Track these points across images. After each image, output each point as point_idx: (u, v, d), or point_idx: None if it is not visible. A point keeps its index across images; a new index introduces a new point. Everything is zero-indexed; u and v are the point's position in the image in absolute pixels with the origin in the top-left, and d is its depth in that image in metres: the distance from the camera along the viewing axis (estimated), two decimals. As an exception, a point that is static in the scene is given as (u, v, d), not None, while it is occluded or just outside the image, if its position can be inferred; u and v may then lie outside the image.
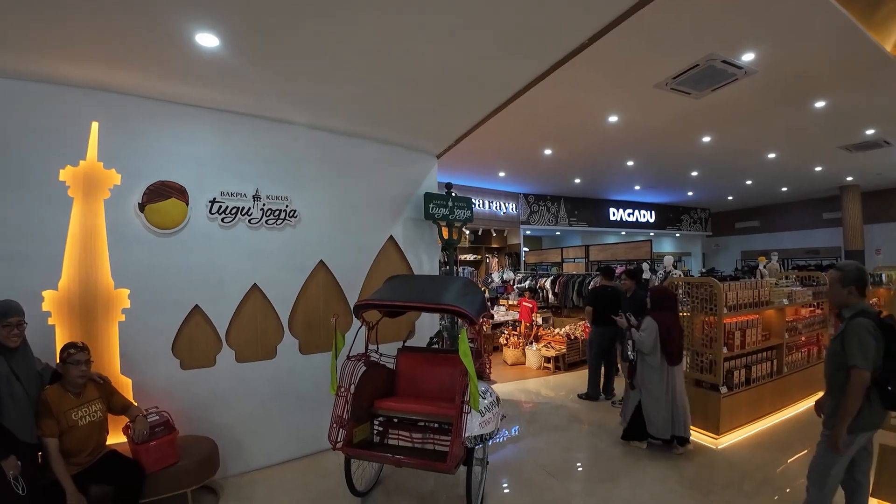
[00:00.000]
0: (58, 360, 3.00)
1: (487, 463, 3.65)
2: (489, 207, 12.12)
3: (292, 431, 4.36)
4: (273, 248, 4.33)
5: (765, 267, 11.60)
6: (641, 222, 15.10)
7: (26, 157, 3.34)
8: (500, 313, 9.77)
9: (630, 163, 9.65)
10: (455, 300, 3.17)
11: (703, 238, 17.79)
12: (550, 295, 9.95)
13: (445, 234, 5.48)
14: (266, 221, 4.28)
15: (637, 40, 4.35)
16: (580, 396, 6.02)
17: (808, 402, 5.41)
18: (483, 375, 3.51)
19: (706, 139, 8.00)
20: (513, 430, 4.99)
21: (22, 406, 2.69)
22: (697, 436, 4.55)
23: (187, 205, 3.88)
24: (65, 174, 3.45)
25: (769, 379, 4.87)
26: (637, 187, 12.43)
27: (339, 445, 3.13)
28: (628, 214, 14.72)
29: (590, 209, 13.84)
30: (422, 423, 3.52)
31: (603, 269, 6.27)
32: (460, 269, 12.60)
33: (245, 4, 2.62)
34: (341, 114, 4.42)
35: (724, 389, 4.40)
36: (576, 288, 9.38)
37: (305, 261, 4.54)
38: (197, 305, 3.96)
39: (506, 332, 8.33)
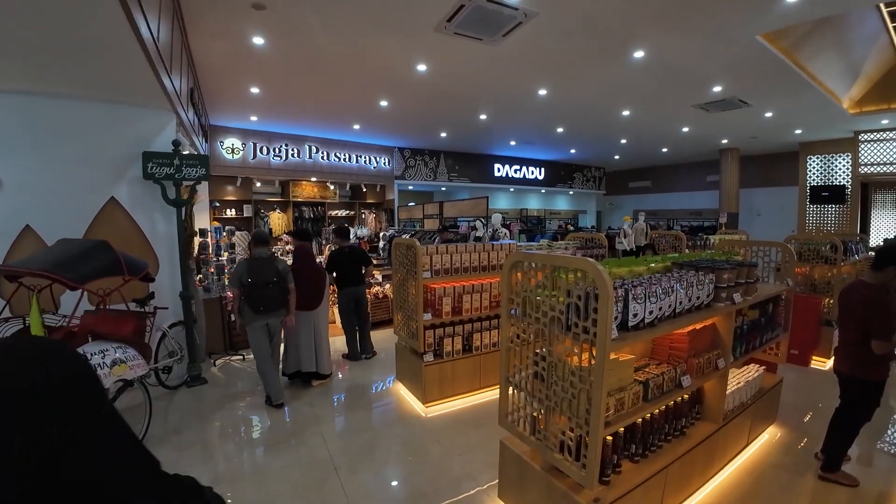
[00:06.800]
0: None
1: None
2: (357, 161, 11.55)
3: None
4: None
5: (630, 227, 11.77)
6: (530, 179, 14.92)
7: None
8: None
9: (483, 116, 9.25)
10: (56, 267, 3.13)
11: (599, 196, 17.94)
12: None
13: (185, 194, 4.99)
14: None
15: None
16: (343, 357, 5.95)
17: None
18: (126, 339, 3.55)
19: (542, 92, 7.64)
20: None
21: None
22: (413, 402, 4.53)
23: None
24: None
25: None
26: (513, 143, 12.11)
27: None
28: (515, 171, 14.47)
29: (472, 165, 13.47)
30: None
31: (336, 231, 5.91)
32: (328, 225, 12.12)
33: None
34: (33, 78, 4.09)
35: (428, 357, 4.24)
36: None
37: (8, 226, 4.44)
38: None
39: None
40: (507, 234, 8.71)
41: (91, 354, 3.24)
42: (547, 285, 2.39)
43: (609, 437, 2.35)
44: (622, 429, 2.46)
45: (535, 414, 2.51)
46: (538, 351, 2.47)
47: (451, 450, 3.65)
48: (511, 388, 2.65)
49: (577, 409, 2.19)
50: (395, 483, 3.30)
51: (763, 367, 3.78)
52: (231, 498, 3.07)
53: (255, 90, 7.34)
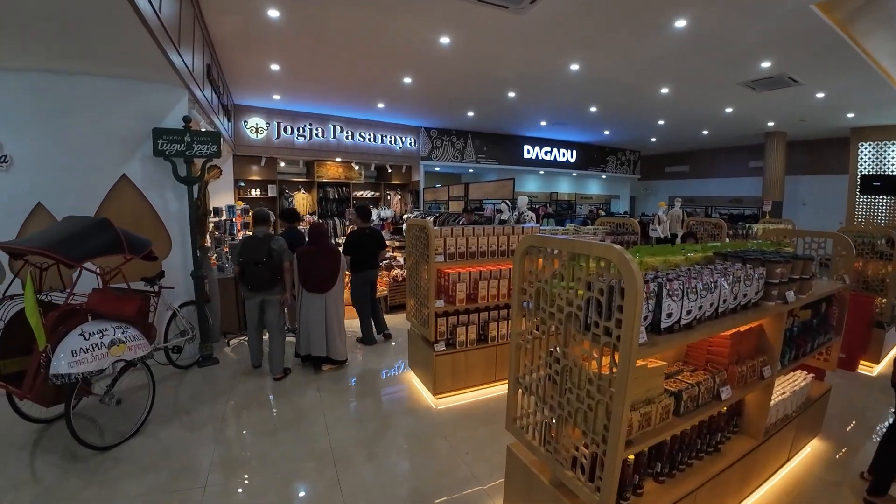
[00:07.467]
0: None
1: (114, 399, 3.50)
2: (383, 141, 11.30)
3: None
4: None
5: (665, 213, 11.16)
6: (561, 161, 14.35)
7: None
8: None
9: (511, 94, 8.82)
10: (54, 245, 3.08)
11: (633, 181, 17.18)
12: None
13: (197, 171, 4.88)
14: (-27, 168, 4.17)
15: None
16: (358, 341, 5.82)
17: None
18: (128, 318, 3.50)
19: (574, 67, 7.17)
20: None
21: None
22: (424, 392, 4.36)
23: None
24: None
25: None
26: (543, 123, 11.60)
27: None
28: (545, 153, 13.92)
29: (501, 146, 13.02)
30: None
31: (358, 210, 5.74)
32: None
33: None
34: (41, 54, 4.02)
35: (439, 347, 4.00)
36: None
37: (19, 204, 4.46)
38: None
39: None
40: (534, 217, 8.35)
41: (89, 334, 3.15)
42: (565, 275, 2.08)
43: (631, 457, 2.06)
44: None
45: (546, 422, 2.24)
46: (552, 350, 2.18)
47: (458, 447, 3.43)
48: (520, 391, 2.38)
49: (594, 423, 1.89)
50: (394, 479, 3.09)
51: (811, 375, 3.38)
52: (222, 485, 2.93)
53: (274, 67, 7.15)
